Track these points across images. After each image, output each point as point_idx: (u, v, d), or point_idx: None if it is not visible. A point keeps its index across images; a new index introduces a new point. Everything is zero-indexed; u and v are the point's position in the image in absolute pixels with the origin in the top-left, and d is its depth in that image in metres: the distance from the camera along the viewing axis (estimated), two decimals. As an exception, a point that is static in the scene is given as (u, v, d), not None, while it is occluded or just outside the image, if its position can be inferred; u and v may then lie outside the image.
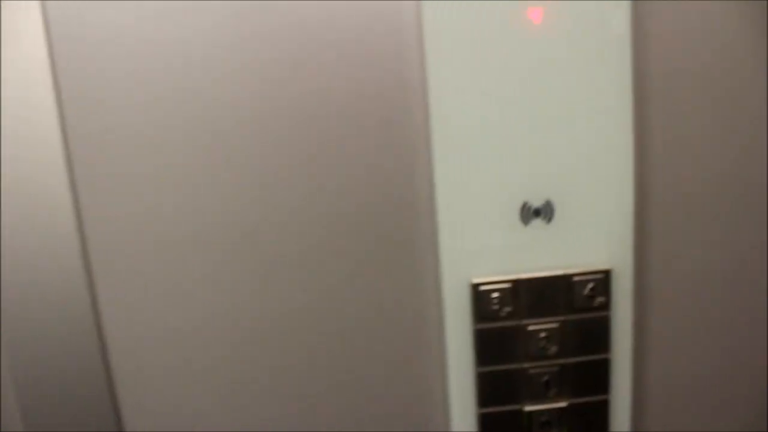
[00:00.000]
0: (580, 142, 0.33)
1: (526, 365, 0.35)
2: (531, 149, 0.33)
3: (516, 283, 0.34)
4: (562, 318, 0.34)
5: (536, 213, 0.33)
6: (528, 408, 0.35)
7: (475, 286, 0.33)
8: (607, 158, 0.33)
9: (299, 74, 0.32)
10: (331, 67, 0.32)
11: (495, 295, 0.34)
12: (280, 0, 0.31)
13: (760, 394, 0.39)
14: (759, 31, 0.34)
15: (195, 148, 0.32)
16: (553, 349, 0.35)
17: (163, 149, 0.32)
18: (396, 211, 0.34)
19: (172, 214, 0.32)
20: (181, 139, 0.32)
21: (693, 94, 0.34)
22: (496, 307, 0.34)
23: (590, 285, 0.34)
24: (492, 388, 0.35)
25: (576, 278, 0.34)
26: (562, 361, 0.35)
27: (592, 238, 0.34)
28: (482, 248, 0.33)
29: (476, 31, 0.31)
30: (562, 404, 0.36)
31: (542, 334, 0.34)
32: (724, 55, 0.34)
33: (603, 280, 0.34)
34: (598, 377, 0.36)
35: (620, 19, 0.31)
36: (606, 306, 0.34)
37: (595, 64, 0.32)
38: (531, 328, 0.34)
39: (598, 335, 0.35)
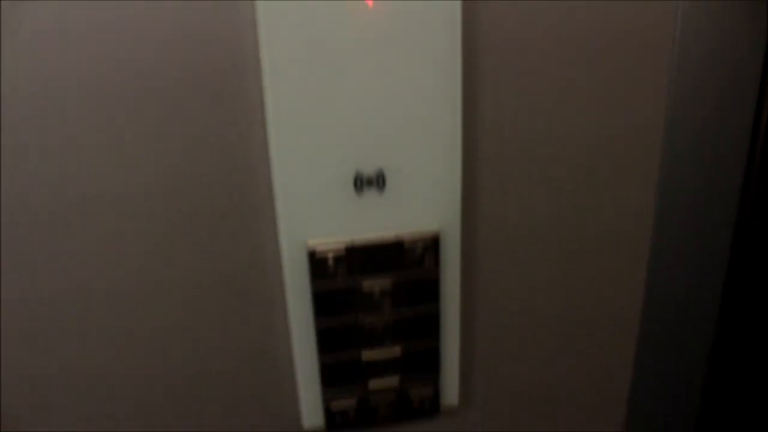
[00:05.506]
0: (410, 113, 0.35)
1: (362, 318, 0.38)
2: (363, 121, 0.35)
3: (351, 246, 0.37)
4: (394, 277, 0.38)
5: (369, 182, 0.36)
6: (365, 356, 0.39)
7: (312, 251, 0.36)
8: (436, 128, 0.36)
9: (130, 46, 0.32)
10: (165, 44, 0.32)
11: (330, 257, 0.37)
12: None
13: (579, 340, 0.45)
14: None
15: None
16: (387, 303, 0.38)
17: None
18: (234, 180, 0.36)
19: None
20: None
21: (521, 65, 0.37)
22: (331, 268, 0.37)
23: (420, 246, 0.37)
24: (331, 340, 0.39)
25: (407, 242, 0.37)
26: (396, 314, 0.39)
27: (422, 204, 0.37)
28: (318, 216, 0.36)
29: (310, 8, 0.32)
30: (397, 352, 0.40)
31: (376, 291, 0.38)
32: (553, 30, 0.36)
33: (432, 243, 0.38)
34: (429, 328, 0.40)
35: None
36: (435, 265, 0.38)
37: (425, 36, 0.34)
38: (366, 285, 0.38)
39: (428, 291, 0.39)
